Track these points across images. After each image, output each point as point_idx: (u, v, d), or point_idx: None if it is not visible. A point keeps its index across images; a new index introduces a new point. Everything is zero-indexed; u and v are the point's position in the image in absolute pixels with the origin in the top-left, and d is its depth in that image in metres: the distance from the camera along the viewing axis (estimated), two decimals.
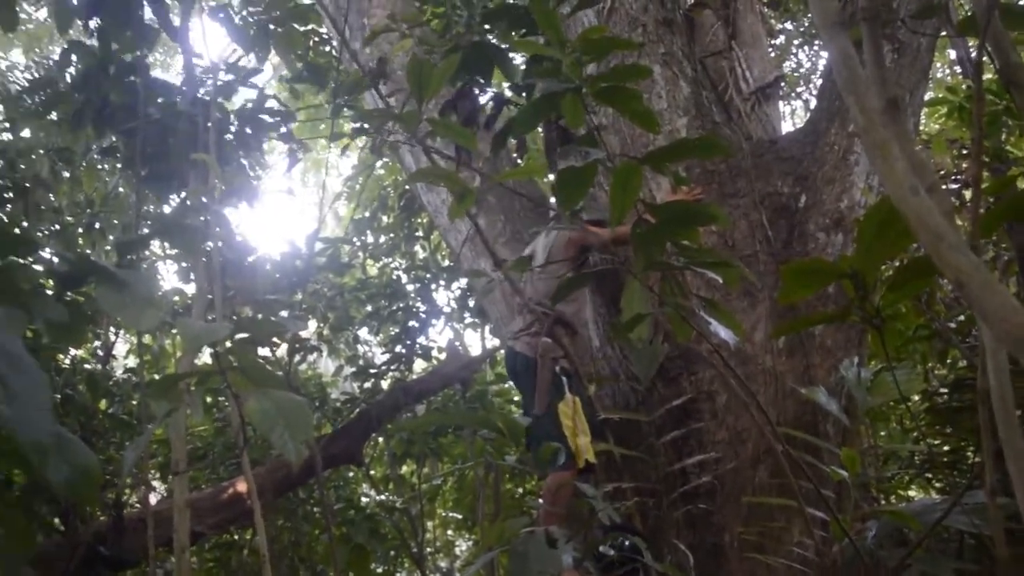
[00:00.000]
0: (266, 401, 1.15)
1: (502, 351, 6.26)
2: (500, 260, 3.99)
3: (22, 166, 5.25)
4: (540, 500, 4.05)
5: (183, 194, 3.21)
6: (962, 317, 4.21)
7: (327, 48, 8.70)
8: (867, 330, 3.97)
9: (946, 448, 4.33)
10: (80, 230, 5.76)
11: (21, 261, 1.13)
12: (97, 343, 6.73)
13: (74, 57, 3.65)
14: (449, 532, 9.18)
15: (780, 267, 3.76)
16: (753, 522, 3.52)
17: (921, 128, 6.21)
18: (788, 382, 3.69)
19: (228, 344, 1.35)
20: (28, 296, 1.04)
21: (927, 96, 5.25)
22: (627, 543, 2.85)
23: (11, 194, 5.07)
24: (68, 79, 3.61)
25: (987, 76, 5.13)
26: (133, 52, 3.17)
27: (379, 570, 7.19)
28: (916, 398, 4.77)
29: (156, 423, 1.31)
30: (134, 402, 5.97)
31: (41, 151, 5.24)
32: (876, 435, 5.56)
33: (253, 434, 6.29)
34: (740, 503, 3.54)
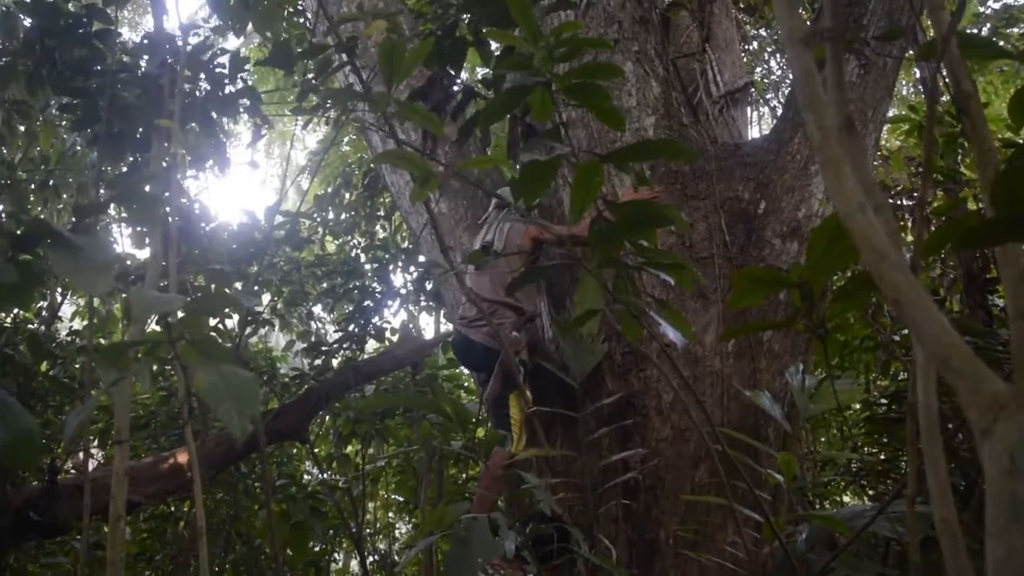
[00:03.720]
0: (215, 375, 1.15)
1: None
2: (448, 248, 4.01)
3: None
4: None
5: (141, 158, 3.14)
6: (905, 331, 4.33)
7: (301, 19, 8.56)
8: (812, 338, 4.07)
9: (881, 457, 4.46)
10: (33, 187, 5.63)
11: None
12: (42, 303, 6.58)
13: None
14: (390, 514, 9.18)
15: (734, 273, 3.83)
16: (690, 519, 3.59)
17: (883, 143, 6.34)
18: (735, 384, 3.76)
19: (180, 314, 1.34)
20: None
21: (890, 113, 5.36)
22: (557, 533, 2.88)
23: None
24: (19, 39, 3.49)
25: (947, 98, 5.24)
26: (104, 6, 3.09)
27: (317, 548, 7.16)
28: (857, 406, 4.90)
29: (101, 391, 1.29)
30: (77, 365, 5.84)
31: None
32: (816, 441, 5.70)
33: (196, 407, 6.22)
34: (679, 500, 3.60)
